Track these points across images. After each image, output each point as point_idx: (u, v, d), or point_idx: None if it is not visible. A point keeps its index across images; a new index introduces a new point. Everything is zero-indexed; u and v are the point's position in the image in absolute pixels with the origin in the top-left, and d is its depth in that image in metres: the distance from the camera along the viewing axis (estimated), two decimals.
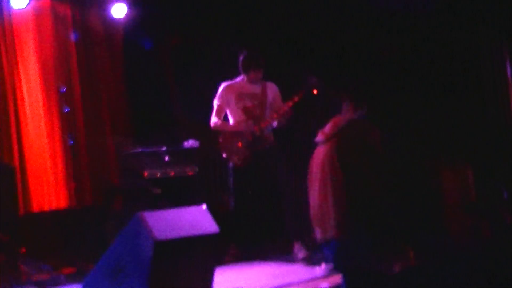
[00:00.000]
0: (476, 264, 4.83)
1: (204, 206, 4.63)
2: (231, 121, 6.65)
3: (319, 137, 5.48)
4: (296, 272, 5.71)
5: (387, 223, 5.35)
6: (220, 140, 6.59)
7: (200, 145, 7.34)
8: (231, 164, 6.56)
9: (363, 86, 5.95)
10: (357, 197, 5.26)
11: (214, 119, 6.64)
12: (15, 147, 7.26)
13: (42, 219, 6.94)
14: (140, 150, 7.11)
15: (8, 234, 6.14)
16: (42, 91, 7.56)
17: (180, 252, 4.30)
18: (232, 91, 6.60)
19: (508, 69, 7.28)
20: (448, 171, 7.02)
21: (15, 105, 7.35)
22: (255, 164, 6.49)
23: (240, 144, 6.50)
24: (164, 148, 7.15)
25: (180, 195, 6.92)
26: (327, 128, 5.47)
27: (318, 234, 5.37)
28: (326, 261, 5.63)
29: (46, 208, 7.28)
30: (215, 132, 6.68)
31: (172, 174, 7.09)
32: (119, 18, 8.03)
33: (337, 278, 5.15)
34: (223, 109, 6.65)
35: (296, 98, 6.41)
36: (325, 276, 5.37)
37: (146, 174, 6.96)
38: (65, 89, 7.08)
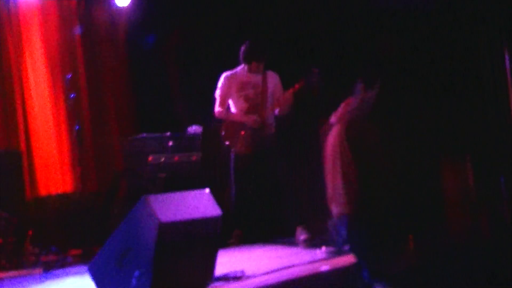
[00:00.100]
0: (476, 264, 4.85)
1: (207, 190, 4.66)
2: (233, 110, 6.68)
3: (333, 119, 5.57)
4: (298, 254, 5.73)
5: (391, 212, 5.42)
6: (223, 129, 6.63)
7: (204, 131, 7.40)
8: (233, 152, 6.61)
9: (374, 66, 5.96)
10: (366, 178, 5.34)
11: (218, 109, 6.64)
12: (22, 132, 7.37)
13: (49, 202, 7.02)
14: (144, 135, 7.18)
15: (16, 217, 6.26)
16: (48, 78, 7.65)
17: (184, 234, 4.33)
18: (233, 81, 6.62)
19: (507, 63, 7.23)
20: (448, 171, 7.02)
21: (22, 91, 7.45)
22: (257, 152, 6.54)
23: (242, 133, 6.55)
24: (168, 134, 7.22)
25: (183, 180, 7.01)
26: (340, 109, 5.54)
27: (334, 210, 5.49)
28: (327, 244, 5.74)
29: (53, 192, 7.38)
30: (217, 120, 6.74)
31: (176, 159, 7.16)
32: (124, 7, 8.12)
33: (344, 259, 5.21)
34: (226, 99, 6.65)
35: (297, 86, 6.45)
36: (326, 259, 5.43)
37: (150, 159, 7.03)
38: (70, 76, 7.17)
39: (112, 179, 7.67)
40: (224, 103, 6.66)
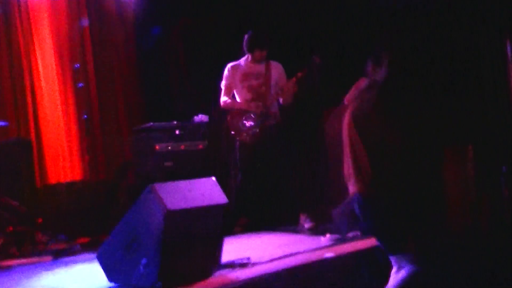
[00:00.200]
0: (476, 264, 4.87)
1: (213, 178, 4.69)
2: (237, 99, 6.73)
3: (345, 100, 5.59)
4: (302, 242, 5.75)
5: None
6: (228, 118, 6.69)
7: (210, 120, 7.46)
8: (238, 141, 6.67)
9: (383, 45, 5.94)
10: (374, 161, 5.37)
11: (223, 98, 6.71)
12: (32, 122, 7.43)
13: (58, 191, 7.08)
14: (151, 124, 7.23)
15: (26, 205, 6.33)
16: (57, 67, 7.70)
17: (191, 222, 4.37)
18: (237, 71, 6.67)
19: (509, 54, 7.22)
20: (450, 163, 7.02)
21: (31, 81, 7.50)
22: (262, 140, 6.60)
23: (247, 122, 6.66)
24: (175, 123, 7.27)
25: (190, 168, 7.07)
26: (351, 91, 5.56)
27: (350, 189, 5.52)
28: (331, 232, 5.80)
29: (62, 180, 7.45)
30: (223, 110, 6.81)
31: (182, 147, 7.22)
32: None
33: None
34: (231, 89, 6.72)
35: (299, 75, 6.50)
36: (330, 246, 5.48)
37: (157, 147, 7.09)
38: (79, 66, 7.24)
39: (119, 167, 7.74)
40: (229, 93, 6.73)
